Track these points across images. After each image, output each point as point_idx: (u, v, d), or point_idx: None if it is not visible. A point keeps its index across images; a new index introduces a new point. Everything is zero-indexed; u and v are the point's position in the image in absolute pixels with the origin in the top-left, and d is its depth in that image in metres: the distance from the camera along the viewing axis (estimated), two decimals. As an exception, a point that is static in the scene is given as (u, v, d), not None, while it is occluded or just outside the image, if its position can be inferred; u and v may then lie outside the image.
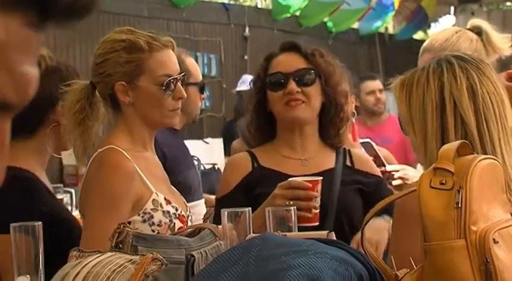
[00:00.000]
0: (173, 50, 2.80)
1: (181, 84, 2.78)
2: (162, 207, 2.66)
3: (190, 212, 2.86)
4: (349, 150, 3.11)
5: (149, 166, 2.78)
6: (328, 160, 3.04)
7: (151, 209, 2.65)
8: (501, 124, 2.16)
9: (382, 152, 3.83)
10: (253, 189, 2.94)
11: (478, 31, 3.37)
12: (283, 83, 2.96)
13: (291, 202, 2.67)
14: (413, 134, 2.21)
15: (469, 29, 3.40)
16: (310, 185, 2.73)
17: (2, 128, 0.77)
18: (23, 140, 2.74)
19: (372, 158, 3.34)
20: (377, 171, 3.14)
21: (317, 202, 2.76)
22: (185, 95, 2.78)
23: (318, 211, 2.76)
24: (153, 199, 2.68)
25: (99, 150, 2.67)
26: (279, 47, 3.07)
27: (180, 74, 2.77)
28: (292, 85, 2.94)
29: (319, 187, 2.77)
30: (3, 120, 0.77)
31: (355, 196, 3.00)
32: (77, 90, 2.72)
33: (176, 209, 2.71)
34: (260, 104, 3.03)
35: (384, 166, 3.37)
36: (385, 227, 2.70)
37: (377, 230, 2.72)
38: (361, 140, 3.47)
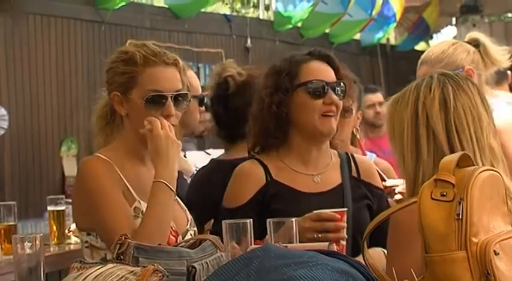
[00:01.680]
0: (178, 68, 2.79)
1: (179, 101, 2.77)
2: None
3: (192, 228, 2.84)
4: (352, 156, 3.09)
5: (141, 178, 2.76)
6: (336, 173, 3.01)
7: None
8: (476, 139, 2.16)
9: (382, 164, 3.82)
10: (267, 204, 2.90)
11: (475, 43, 3.38)
12: (324, 92, 2.92)
13: (320, 235, 2.65)
14: (394, 149, 2.23)
15: (466, 42, 3.41)
16: (339, 216, 2.69)
17: None
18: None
19: None
20: (379, 182, 3.13)
21: (345, 233, 2.71)
22: (173, 113, 2.72)
23: (345, 242, 2.72)
24: (135, 206, 2.70)
25: (85, 158, 2.79)
26: (308, 52, 3.02)
27: (177, 91, 2.75)
28: (333, 95, 2.92)
29: (346, 217, 2.72)
30: None
31: (365, 211, 2.99)
32: (105, 97, 2.86)
33: None
34: (275, 107, 2.93)
35: (384, 181, 3.35)
36: (380, 255, 2.67)
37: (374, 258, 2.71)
38: None
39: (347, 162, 3.05)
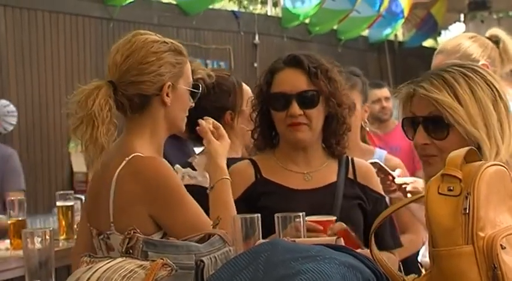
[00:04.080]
0: None
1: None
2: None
3: None
4: (352, 160, 3.07)
5: None
6: (331, 173, 3.01)
7: None
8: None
9: (393, 161, 3.82)
10: (256, 201, 2.90)
11: (495, 40, 3.37)
12: (286, 105, 2.91)
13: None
14: (476, 130, 2.24)
15: (487, 37, 3.41)
16: (322, 227, 2.66)
17: None
18: None
19: (382, 176, 3.33)
20: (378, 186, 3.10)
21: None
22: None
23: None
24: None
25: (127, 159, 2.60)
26: (283, 58, 3.00)
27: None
28: (295, 108, 2.89)
29: (332, 226, 2.69)
30: None
31: (357, 210, 2.96)
32: (103, 88, 2.66)
33: None
34: (263, 113, 3.00)
35: (393, 178, 3.35)
36: (389, 256, 2.65)
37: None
38: (370, 161, 3.47)
39: (345, 164, 3.04)
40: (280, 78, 2.95)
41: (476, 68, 2.33)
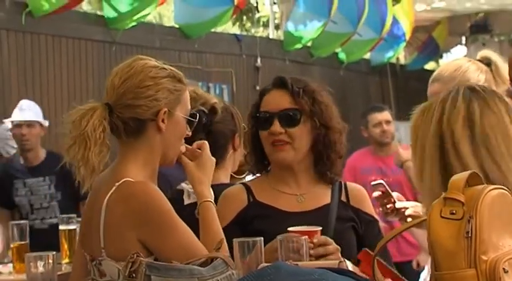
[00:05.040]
0: None
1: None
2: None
3: None
4: (345, 184, 3.07)
5: None
6: (324, 195, 3.00)
7: None
8: (509, 155, 2.11)
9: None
10: (249, 224, 2.90)
11: (487, 62, 3.37)
12: (269, 123, 2.94)
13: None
14: (414, 160, 2.20)
15: (478, 60, 3.41)
16: (306, 237, 2.66)
17: None
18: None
19: (384, 198, 3.34)
20: (371, 209, 3.08)
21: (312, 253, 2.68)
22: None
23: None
24: None
25: (117, 184, 2.56)
26: (272, 81, 3.04)
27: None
28: (276, 126, 2.92)
29: (318, 236, 2.70)
30: None
31: (350, 233, 2.95)
32: (98, 109, 2.64)
33: None
34: (254, 136, 3.02)
35: (394, 202, 3.36)
36: None
37: None
38: (373, 182, 3.46)
39: (338, 187, 3.05)
40: (266, 99, 3.00)
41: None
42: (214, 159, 2.79)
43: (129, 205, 2.53)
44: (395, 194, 3.43)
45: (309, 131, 2.96)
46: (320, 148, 2.97)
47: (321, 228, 2.73)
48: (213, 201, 2.69)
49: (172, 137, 2.69)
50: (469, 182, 1.85)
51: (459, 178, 1.85)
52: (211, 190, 2.73)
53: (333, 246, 2.70)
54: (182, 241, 2.50)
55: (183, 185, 3.24)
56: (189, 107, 2.76)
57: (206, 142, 2.78)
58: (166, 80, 2.69)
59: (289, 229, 2.65)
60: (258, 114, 3.00)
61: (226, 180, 3.33)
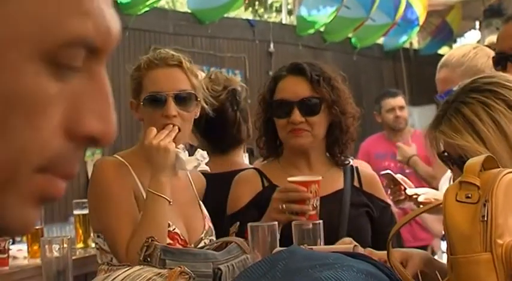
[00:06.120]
0: (183, 69, 2.79)
1: (182, 101, 2.77)
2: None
3: (207, 237, 2.84)
4: (357, 168, 3.09)
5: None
6: (337, 180, 3.02)
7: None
8: None
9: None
10: (265, 208, 2.90)
11: (495, 47, 3.36)
12: (288, 112, 2.93)
13: (284, 206, 2.68)
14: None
15: (486, 45, 3.39)
16: (304, 188, 2.71)
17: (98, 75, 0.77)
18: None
19: (393, 186, 3.35)
20: (383, 195, 3.12)
21: (312, 203, 2.72)
22: (173, 112, 2.72)
23: (314, 212, 2.73)
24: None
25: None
26: (287, 67, 3.03)
27: (179, 91, 2.76)
28: (296, 115, 2.91)
29: (315, 187, 2.74)
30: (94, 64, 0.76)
31: (364, 218, 2.98)
32: None
33: (168, 226, 2.69)
34: (267, 122, 3.02)
35: (405, 189, 3.36)
36: None
37: None
38: (382, 172, 3.46)
39: (350, 172, 3.05)
40: (283, 86, 2.98)
41: (495, 89, 2.20)
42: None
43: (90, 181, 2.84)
44: (399, 176, 3.44)
45: (327, 117, 2.96)
46: (336, 133, 2.97)
47: (320, 177, 2.76)
48: (155, 191, 2.67)
49: (148, 123, 2.79)
50: (484, 166, 1.84)
51: (475, 161, 1.84)
52: (157, 179, 2.69)
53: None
54: (110, 224, 2.67)
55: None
56: (152, 89, 2.76)
57: (151, 128, 2.72)
58: (131, 72, 2.84)
59: (288, 179, 2.70)
60: (272, 101, 2.98)
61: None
